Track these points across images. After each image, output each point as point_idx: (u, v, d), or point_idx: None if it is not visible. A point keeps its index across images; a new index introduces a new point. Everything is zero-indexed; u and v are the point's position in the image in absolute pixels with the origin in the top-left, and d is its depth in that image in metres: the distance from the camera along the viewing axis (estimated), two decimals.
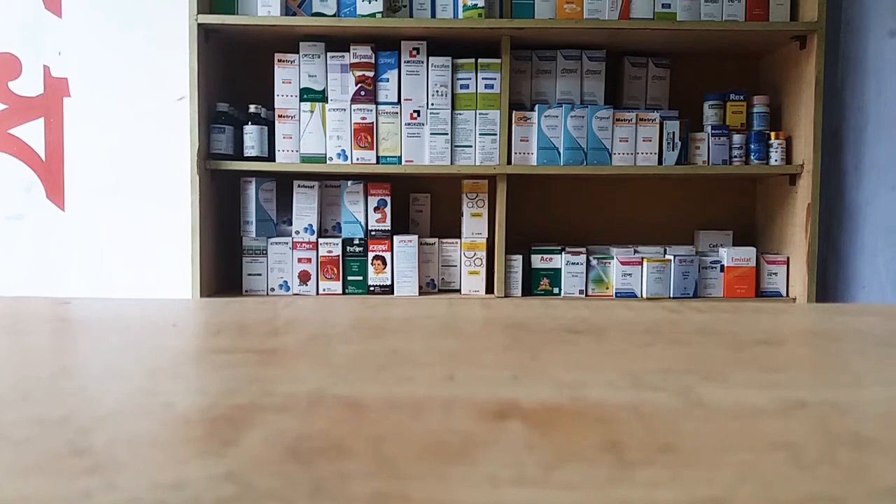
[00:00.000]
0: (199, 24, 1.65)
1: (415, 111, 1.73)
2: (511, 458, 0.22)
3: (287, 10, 1.70)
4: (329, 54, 1.73)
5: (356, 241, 1.77)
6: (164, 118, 1.92)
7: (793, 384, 0.32)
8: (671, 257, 1.79)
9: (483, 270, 1.80)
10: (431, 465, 0.22)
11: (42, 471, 0.21)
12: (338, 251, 1.76)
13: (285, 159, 1.73)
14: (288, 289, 1.77)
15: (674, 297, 1.78)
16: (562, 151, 1.74)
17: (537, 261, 1.80)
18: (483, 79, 1.73)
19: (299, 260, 1.76)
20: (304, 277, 1.76)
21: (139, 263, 1.95)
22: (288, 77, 1.73)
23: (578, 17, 1.71)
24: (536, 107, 1.74)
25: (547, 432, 0.25)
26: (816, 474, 0.21)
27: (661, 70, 1.87)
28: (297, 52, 1.73)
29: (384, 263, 1.77)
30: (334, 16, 1.70)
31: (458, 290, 1.81)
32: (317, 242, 1.76)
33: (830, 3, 1.75)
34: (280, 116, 1.73)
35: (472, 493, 0.20)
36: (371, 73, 1.73)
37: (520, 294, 1.78)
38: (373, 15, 1.67)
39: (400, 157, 1.73)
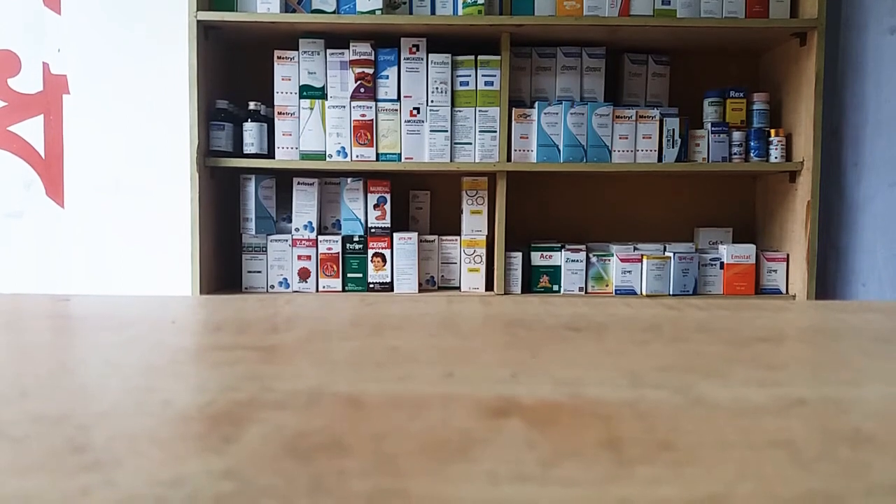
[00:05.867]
0: (198, 21, 1.65)
1: (414, 108, 1.73)
2: (510, 456, 0.22)
3: (286, 7, 1.69)
4: (328, 51, 1.73)
5: (356, 239, 1.77)
6: (163, 115, 1.92)
7: (792, 381, 0.32)
8: (671, 254, 1.79)
9: (483, 268, 1.80)
10: (431, 463, 0.22)
11: (41, 468, 0.21)
12: (337, 248, 1.76)
13: (285, 156, 1.73)
14: (288, 286, 1.77)
15: (673, 295, 1.78)
16: (561, 148, 1.74)
17: (537, 258, 1.80)
18: (483, 76, 1.73)
19: (299, 257, 1.76)
20: (303, 275, 1.76)
21: (139, 260, 1.95)
22: (287, 74, 1.73)
23: (578, 13, 1.70)
24: (536, 104, 1.74)
25: (546, 430, 0.25)
26: (816, 471, 0.21)
27: (660, 67, 1.87)
28: (297, 49, 1.73)
29: (384, 261, 1.77)
30: (334, 12, 1.70)
31: (458, 288, 1.81)
32: (316, 240, 1.76)
33: (830, 0, 1.75)
34: (280, 113, 1.73)
35: (472, 490, 0.20)
36: (371, 70, 1.73)
37: (519, 291, 1.78)
38: (372, 12, 1.67)
39: (400, 155, 1.73)
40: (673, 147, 1.76)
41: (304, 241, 1.76)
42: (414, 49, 1.73)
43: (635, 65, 1.85)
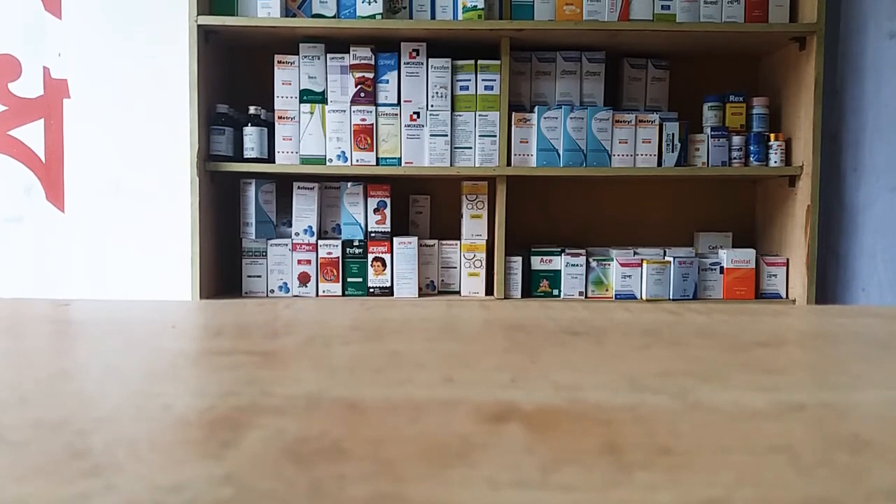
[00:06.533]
0: (198, 26, 1.65)
1: (414, 113, 1.73)
2: (509, 461, 0.22)
3: (287, 12, 1.70)
4: (329, 56, 1.73)
5: (356, 243, 1.77)
6: (163, 119, 1.92)
7: (791, 386, 0.32)
8: (671, 259, 1.79)
9: (483, 272, 1.80)
10: (430, 468, 0.22)
11: (41, 473, 0.21)
12: (337, 253, 1.76)
13: (285, 161, 1.73)
14: (287, 290, 1.77)
15: (673, 299, 1.78)
16: (561, 153, 1.74)
17: (537, 262, 1.80)
18: (483, 80, 1.73)
19: (299, 261, 1.76)
20: (303, 279, 1.76)
21: (139, 265, 1.95)
22: (288, 78, 1.73)
23: (578, 18, 1.71)
24: (536, 108, 1.74)
25: (545, 435, 0.25)
26: (814, 477, 0.21)
27: (660, 71, 1.87)
28: (297, 54, 1.73)
29: (384, 265, 1.77)
30: (334, 17, 1.70)
31: (458, 292, 1.81)
32: (316, 244, 1.76)
33: (830, 5, 1.75)
34: (280, 118, 1.73)
35: (471, 495, 0.20)
36: (371, 75, 1.73)
37: (519, 296, 1.78)
38: (372, 16, 1.67)
39: (399, 159, 1.73)
40: (672, 151, 1.76)
41: (304, 246, 1.76)
42: (414, 54, 1.73)
43: (635, 69, 1.86)
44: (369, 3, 1.66)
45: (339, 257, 1.77)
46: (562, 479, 0.21)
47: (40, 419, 0.26)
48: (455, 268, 1.81)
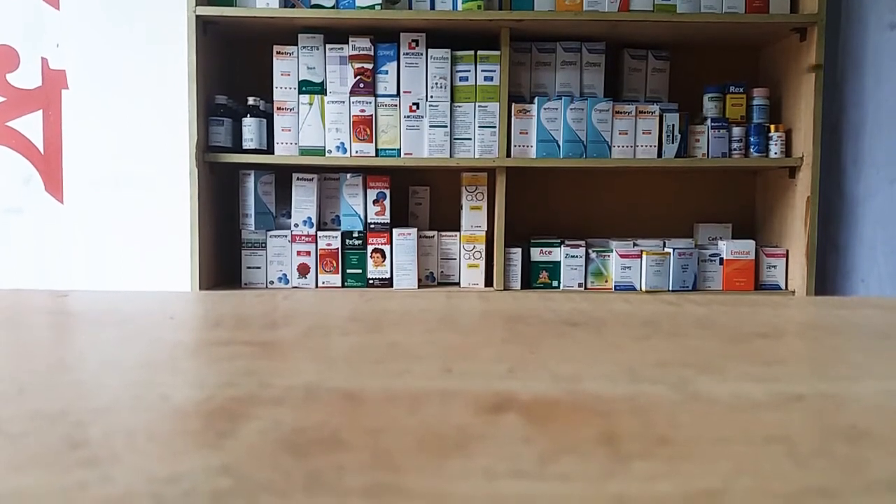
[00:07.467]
0: (197, 16, 1.65)
1: (414, 104, 1.73)
2: (507, 451, 0.22)
3: (285, 2, 1.69)
4: (328, 46, 1.72)
5: (355, 234, 1.77)
6: (162, 111, 1.91)
7: (790, 377, 0.32)
8: (670, 250, 1.79)
9: (482, 263, 1.80)
10: (428, 458, 0.22)
11: (39, 464, 0.21)
12: (337, 244, 1.76)
13: (284, 152, 1.72)
14: (287, 282, 1.77)
15: (673, 290, 1.78)
16: (561, 144, 1.73)
17: (536, 254, 1.80)
18: (482, 71, 1.72)
19: (298, 253, 1.76)
20: (303, 270, 1.76)
21: (138, 256, 1.95)
22: (286, 69, 1.72)
23: (578, 8, 1.70)
24: (536, 99, 1.73)
25: (543, 425, 0.25)
26: (812, 467, 0.21)
27: (660, 62, 1.86)
28: (296, 44, 1.72)
29: (383, 256, 1.76)
30: (333, 7, 1.69)
31: (458, 283, 1.81)
32: (316, 235, 1.76)
33: None
34: (279, 109, 1.72)
35: (469, 485, 0.20)
36: (370, 66, 1.72)
37: (519, 287, 1.78)
38: (372, 7, 1.66)
39: (399, 150, 1.73)
40: (672, 142, 1.76)
41: (303, 237, 1.76)
42: (413, 44, 1.73)
43: (635, 60, 1.85)
44: None
45: (338, 248, 1.76)
46: (560, 469, 0.21)
47: (38, 410, 0.26)
48: (454, 259, 1.81)
